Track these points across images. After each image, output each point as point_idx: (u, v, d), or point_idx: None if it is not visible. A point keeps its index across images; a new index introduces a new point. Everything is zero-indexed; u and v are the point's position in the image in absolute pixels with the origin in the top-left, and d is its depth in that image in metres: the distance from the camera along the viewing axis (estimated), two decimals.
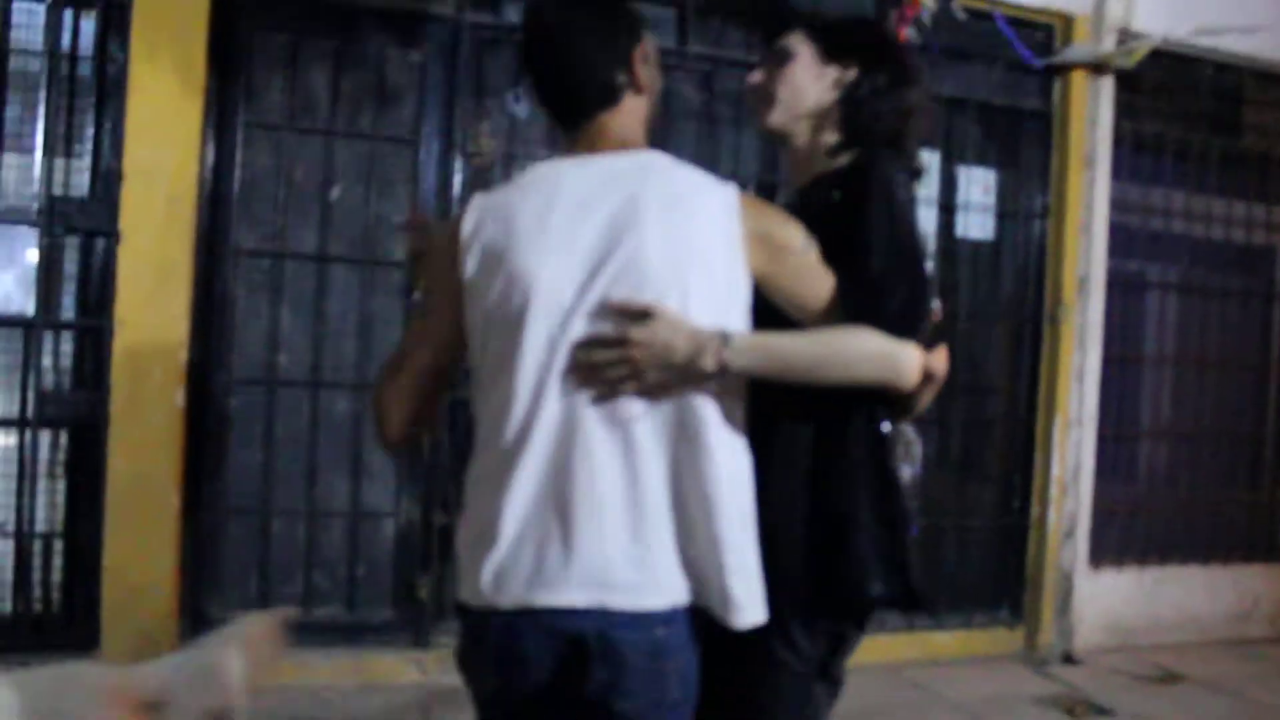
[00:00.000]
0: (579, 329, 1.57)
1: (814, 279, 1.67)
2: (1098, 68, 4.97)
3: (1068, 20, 4.94)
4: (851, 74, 1.89)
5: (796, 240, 1.67)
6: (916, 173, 1.94)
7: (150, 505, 3.69)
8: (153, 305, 3.70)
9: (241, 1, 3.88)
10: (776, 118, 1.93)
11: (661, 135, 4.19)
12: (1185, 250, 5.57)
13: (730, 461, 1.62)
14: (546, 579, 1.56)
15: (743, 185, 1.77)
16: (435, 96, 4.11)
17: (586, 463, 1.56)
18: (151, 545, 3.69)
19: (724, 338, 1.57)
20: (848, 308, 1.65)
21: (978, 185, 4.99)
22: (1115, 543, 5.34)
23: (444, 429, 4.07)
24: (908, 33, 4.31)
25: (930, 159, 4.84)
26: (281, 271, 4.00)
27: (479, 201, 1.72)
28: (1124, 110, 5.13)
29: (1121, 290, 5.29)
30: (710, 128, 4.51)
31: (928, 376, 1.76)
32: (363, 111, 4.10)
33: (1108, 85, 5.03)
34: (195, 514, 3.83)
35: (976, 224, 5.01)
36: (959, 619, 4.98)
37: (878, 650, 4.57)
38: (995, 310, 5.07)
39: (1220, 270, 5.68)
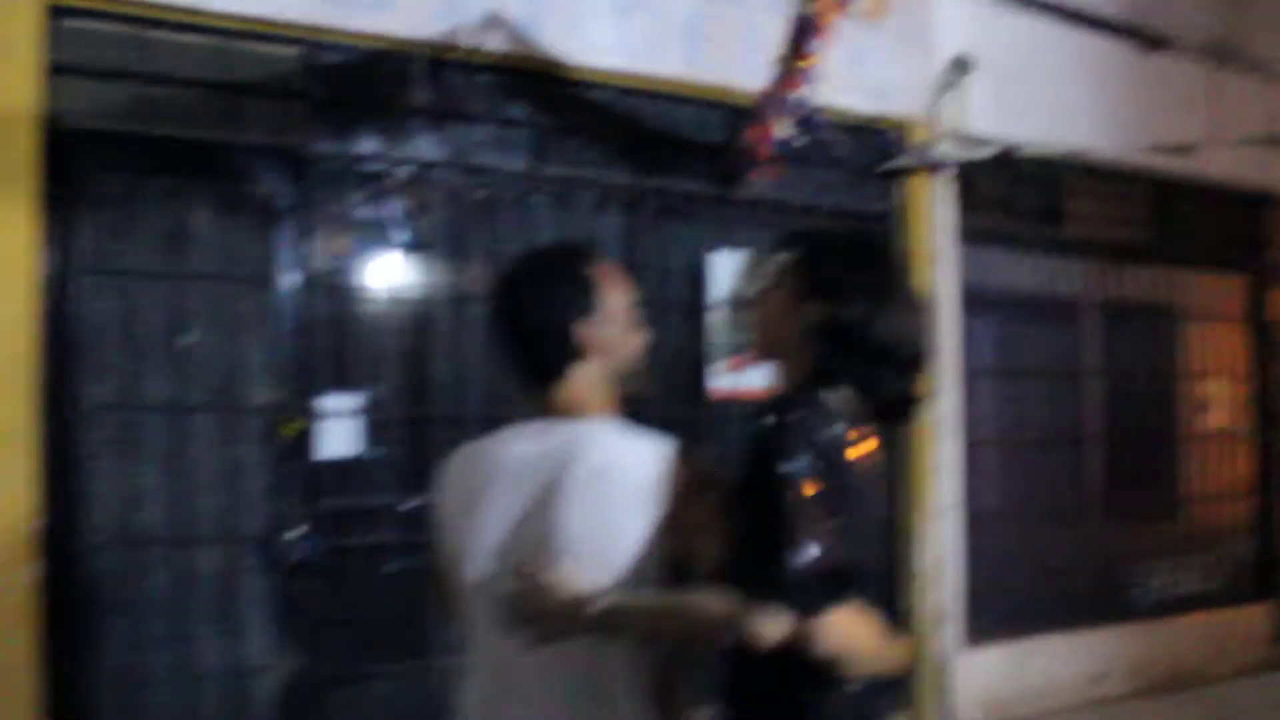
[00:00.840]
0: (498, 588, 1.75)
1: (708, 548, 1.72)
2: (934, 169, 5.21)
3: (904, 125, 5.17)
4: (820, 310, 1.81)
5: (703, 515, 1.73)
6: (899, 406, 1.88)
7: (4, 690, 3.39)
8: None
9: (72, 142, 3.66)
10: (758, 346, 1.95)
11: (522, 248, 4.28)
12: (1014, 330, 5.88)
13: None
14: None
15: None
16: (287, 232, 3.98)
17: (507, 694, 1.79)
18: None
19: (595, 598, 1.66)
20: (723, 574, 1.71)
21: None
22: (991, 620, 5.50)
23: (321, 577, 3.91)
24: (773, 148, 4.42)
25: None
26: (136, 424, 3.77)
27: (456, 456, 1.95)
28: (962, 207, 5.38)
29: (969, 376, 5.51)
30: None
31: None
32: (211, 251, 3.93)
33: (946, 185, 5.28)
34: (59, 692, 3.53)
35: None
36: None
37: None
38: (858, 403, 5.18)
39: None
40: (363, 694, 4.05)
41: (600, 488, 1.73)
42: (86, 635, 3.65)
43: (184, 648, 3.79)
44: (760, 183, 4.69)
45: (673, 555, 1.74)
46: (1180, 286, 6.53)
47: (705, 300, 4.76)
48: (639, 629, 1.71)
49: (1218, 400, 6.76)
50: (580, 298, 1.82)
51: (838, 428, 1.73)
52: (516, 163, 4.35)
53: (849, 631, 1.67)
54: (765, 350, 1.92)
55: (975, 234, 5.50)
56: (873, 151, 5.16)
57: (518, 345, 1.86)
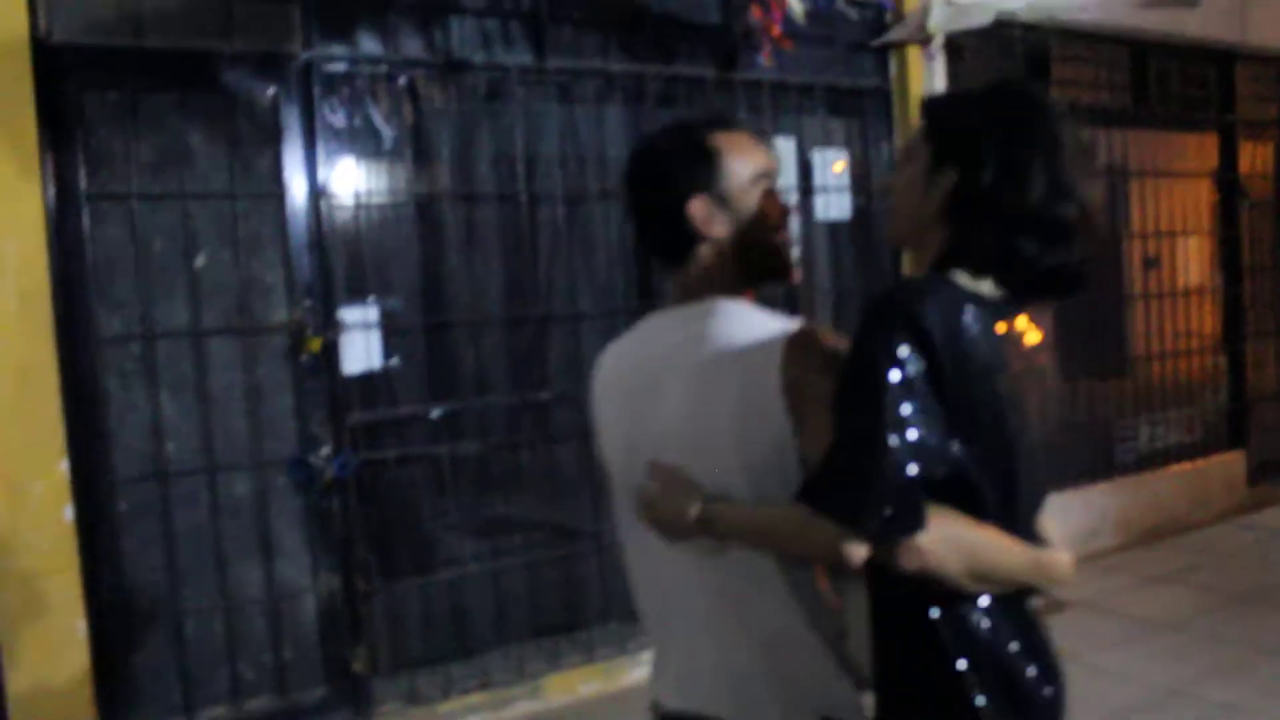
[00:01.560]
0: (635, 478, 1.68)
1: (819, 439, 1.49)
2: (927, 41, 5.13)
3: None
4: (951, 179, 1.53)
5: (823, 394, 1.49)
6: (1055, 282, 1.57)
7: (54, 634, 3.36)
8: (20, 417, 3.33)
9: (62, 61, 3.47)
10: (893, 230, 1.68)
11: (529, 152, 4.22)
12: None
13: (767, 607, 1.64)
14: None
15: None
16: (294, 143, 3.84)
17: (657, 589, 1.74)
18: (60, 676, 3.37)
19: (702, 503, 1.56)
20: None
21: (831, 166, 5.09)
22: None
23: (354, 493, 3.88)
24: (781, 28, 4.32)
25: (786, 145, 4.90)
26: (154, 354, 3.67)
27: (607, 351, 1.84)
28: (953, 80, 5.32)
29: None
30: (573, 140, 4.41)
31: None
32: (215, 168, 3.78)
33: (939, 57, 5.21)
34: (102, 631, 3.51)
35: (834, 205, 5.12)
36: None
37: None
38: (857, 286, 5.21)
39: None
40: (402, 607, 4.08)
41: (716, 375, 1.59)
42: (124, 572, 3.62)
43: (222, 576, 3.76)
44: (762, 64, 4.59)
45: (801, 449, 1.55)
46: (1156, 147, 6.57)
47: None
48: (744, 541, 1.57)
49: (1190, 257, 6.90)
50: (696, 171, 1.65)
51: (966, 313, 1.46)
52: (518, 57, 4.21)
53: (948, 548, 1.44)
54: (900, 238, 1.65)
55: None
56: (868, 25, 5.07)
57: (642, 228, 1.73)
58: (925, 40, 5.10)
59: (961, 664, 1.48)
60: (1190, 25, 6.31)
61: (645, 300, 4.52)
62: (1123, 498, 6.22)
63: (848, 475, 1.40)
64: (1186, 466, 6.66)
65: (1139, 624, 4.84)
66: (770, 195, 1.69)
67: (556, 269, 4.36)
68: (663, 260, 1.72)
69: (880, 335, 1.42)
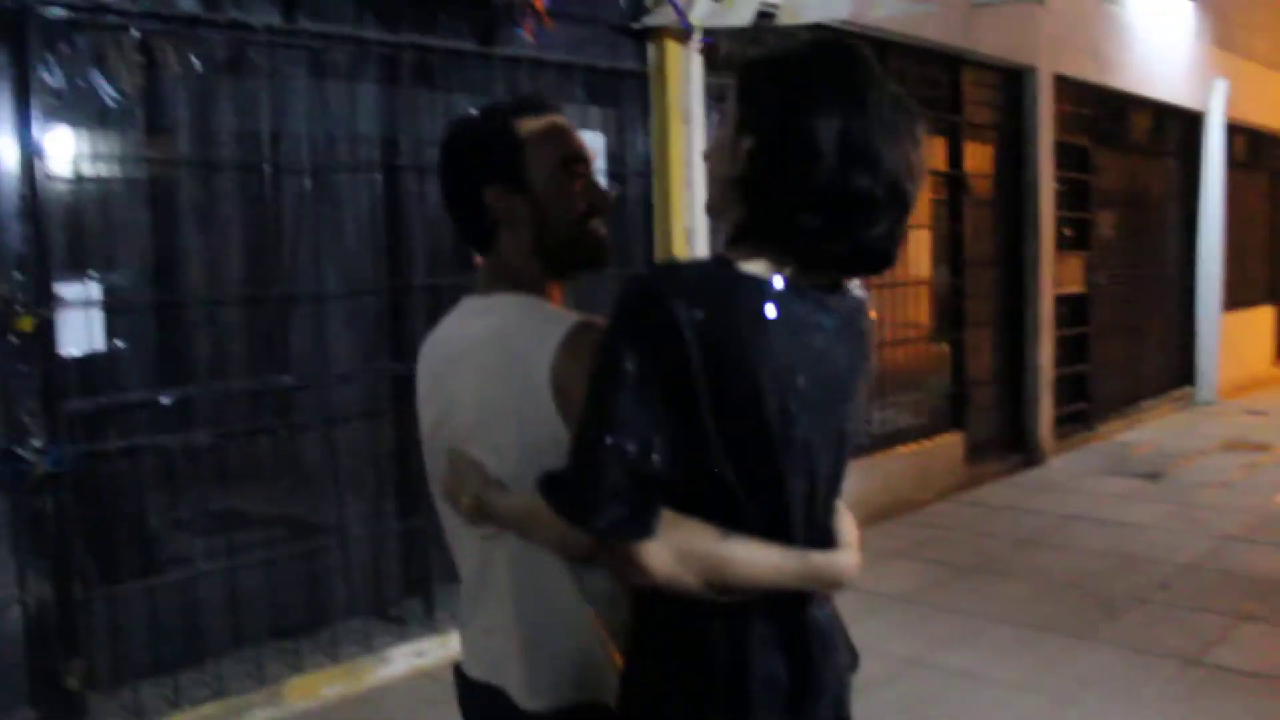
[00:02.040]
0: (437, 461, 1.66)
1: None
2: (688, 32, 5.14)
3: None
4: (748, 145, 1.36)
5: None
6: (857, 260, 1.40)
7: None
8: None
9: None
10: (708, 200, 1.51)
11: (274, 120, 3.91)
12: None
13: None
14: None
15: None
16: (2, 99, 3.38)
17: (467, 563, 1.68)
18: None
19: (480, 491, 1.54)
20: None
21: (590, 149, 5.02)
22: None
23: (70, 489, 3.49)
24: (547, 1, 4.19)
25: None
26: None
27: (427, 339, 1.75)
28: (710, 70, 5.37)
29: (719, 235, 5.61)
30: (323, 109, 4.13)
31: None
32: None
33: (697, 41, 5.23)
34: None
35: None
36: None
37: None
38: (612, 269, 5.17)
39: None
40: (125, 613, 3.72)
41: (498, 371, 1.54)
42: None
43: None
44: (524, 39, 4.46)
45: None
46: None
47: None
48: (511, 528, 1.52)
49: (915, 250, 7.29)
50: (494, 158, 1.58)
51: (737, 298, 1.31)
52: (264, 16, 3.88)
53: (679, 559, 1.33)
54: (712, 207, 1.48)
55: (720, 95, 5.52)
56: (628, 6, 5.03)
57: (449, 213, 1.67)
58: (687, 31, 5.11)
59: (695, 673, 1.39)
60: (926, 30, 6.65)
61: (397, 279, 4.31)
62: (857, 479, 6.46)
63: (575, 472, 1.33)
64: (913, 447, 7.06)
65: (875, 598, 5.05)
66: (578, 183, 1.62)
67: (302, 246, 4.07)
68: (469, 247, 1.66)
69: (619, 327, 1.31)
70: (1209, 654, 4.34)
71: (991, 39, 7.32)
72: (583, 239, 1.62)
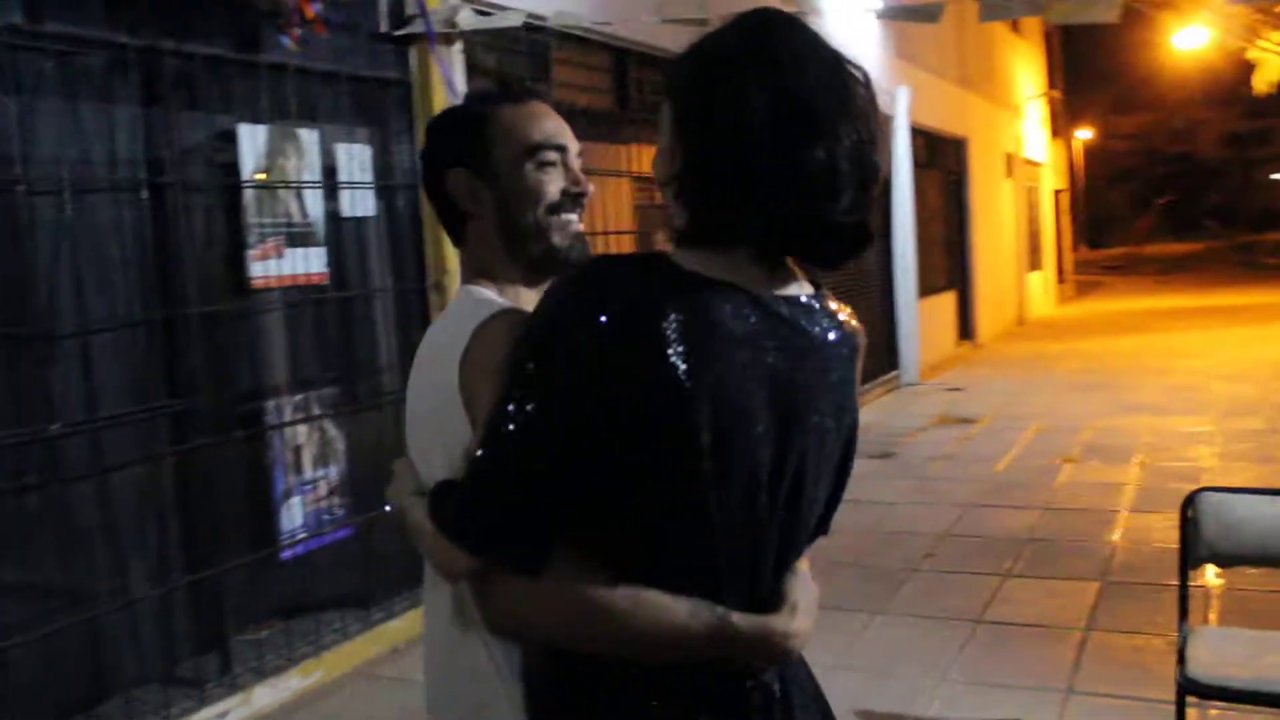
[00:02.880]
0: None
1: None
2: (447, 36, 5.02)
3: None
4: (680, 138, 1.26)
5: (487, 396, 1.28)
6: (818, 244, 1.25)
7: None
8: None
9: None
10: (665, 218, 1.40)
11: (27, 128, 3.45)
12: None
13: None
14: None
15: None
16: None
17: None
18: None
19: (400, 497, 1.45)
20: None
21: (355, 161, 4.79)
22: None
23: None
24: (315, 7, 3.94)
25: (309, 137, 4.53)
26: None
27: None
28: (471, 75, 5.26)
29: None
30: (76, 122, 3.71)
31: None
32: None
33: (458, 51, 5.12)
34: None
35: (360, 200, 4.83)
36: (406, 602, 4.94)
37: (341, 660, 4.42)
38: (383, 283, 4.97)
39: None
40: None
41: (428, 368, 1.47)
42: None
43: None
44: (288, 46, 4.19)
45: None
46: (637, 152, 7.03)
47: (237, 178, 4.20)
48: (413, 539, 1.38)
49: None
50: (459, 143, 1.53)
51: (672, 304, 1.15)
52: (5, 15, 3.43)
53: (547, 605, 1.21)
54: (668, 227, 1.35)
55: None
56: (389, 14, 4.83)
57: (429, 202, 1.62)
58: (448, 38, 4.98)
59: None
60: (663, 38, 6.80)
61: (169, 308, 3.93)
62: None
63: (467, 482, 1.21)
64: None
65: None
66: (548, 172, 1.52)
67: (61, 276, 3.64)
68: (450, 237, 1.60)
69: (539, 329, 1.19)
70: (988, 612, 4.71)
71: None
72: (543, 231, 1.51)
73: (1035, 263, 19.44)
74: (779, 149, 1.16)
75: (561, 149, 1.53)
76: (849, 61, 1.23)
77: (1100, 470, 7.10)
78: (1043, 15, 4.92)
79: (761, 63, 1.18)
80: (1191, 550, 3.17)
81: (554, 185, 1.52)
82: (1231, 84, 33.28)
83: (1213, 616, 4.56)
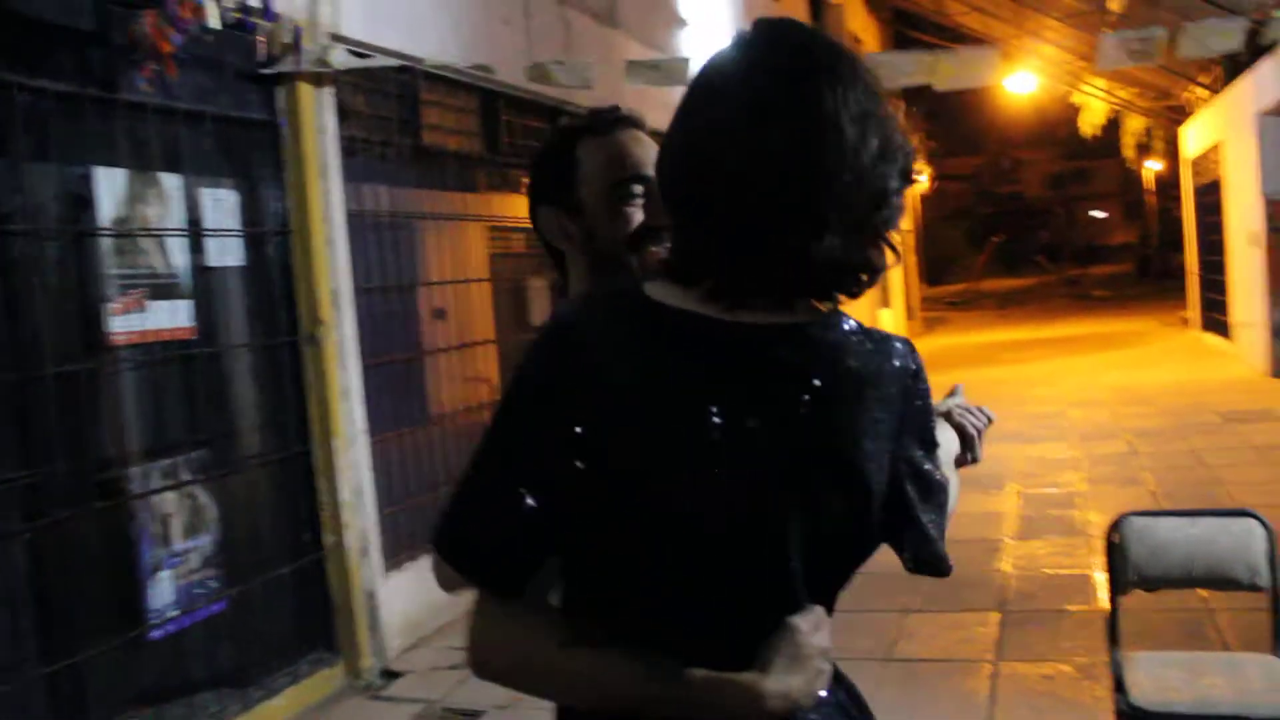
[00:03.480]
0: None
1: None
2: (318, 76, 4.77)
3: (286, 25, 4.62)
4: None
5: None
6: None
7: None
8: None
9: None
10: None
11: None
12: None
13: None
14: None
15: None
16: None
17: None
18: None
19: None
20: None
21: (222, 206, 4.49)
22: (402, 544, 5.40)
23: None
24: (177, 42, 3.66)
25: (171, 181, 4.22)
26: None
27: None
28: (343, 117, 5.02)
29: (365, 296, 5.24)
30: None
31: None
32: None
33: (329, 92, 4.87)
34: None
35: (228, 249, 4.52)
36: (286, 678, 4.59)
37: None
38: (254, 337, 4.66)
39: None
40: None
41: None
42: None
43: None
44: (147, 84, 3.89)
45: None
46: (502, 199, 6.86)
47: (93, 224, 3.86)
48: None
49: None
50: (547, 177, 1.59)
51: (647, 338, 1.14)
52: None
53: (510, 652, 1.19)
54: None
55: (349, 145, 5.17)
56: (252, 51, 4.55)
57: None
58: (319, 78, 4.74)
59: None
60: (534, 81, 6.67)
61: (20, 369, 3.55)
62: None
63: (460, 499, 1.18)
64: None
65: None
66: (632, 204, 1.51)
67: None
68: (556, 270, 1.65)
69: (529, 360, 1.16)
70: (896, 650, 4.66)
71: (590, 96, 7.49)
72: (627, 266, 1.50)
73: (885, 300, 19.94)
74: (739, 187, 1.12)
75: (647, 179, 1.50)
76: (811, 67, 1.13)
77: (979, 500, 7.18)
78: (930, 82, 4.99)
79: (732, 103, 1.13)
80: (1120, 576, 3.15)
81: (638, 218, 1.51)
82: (1051, 126, 35.18)
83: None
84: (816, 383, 1.14)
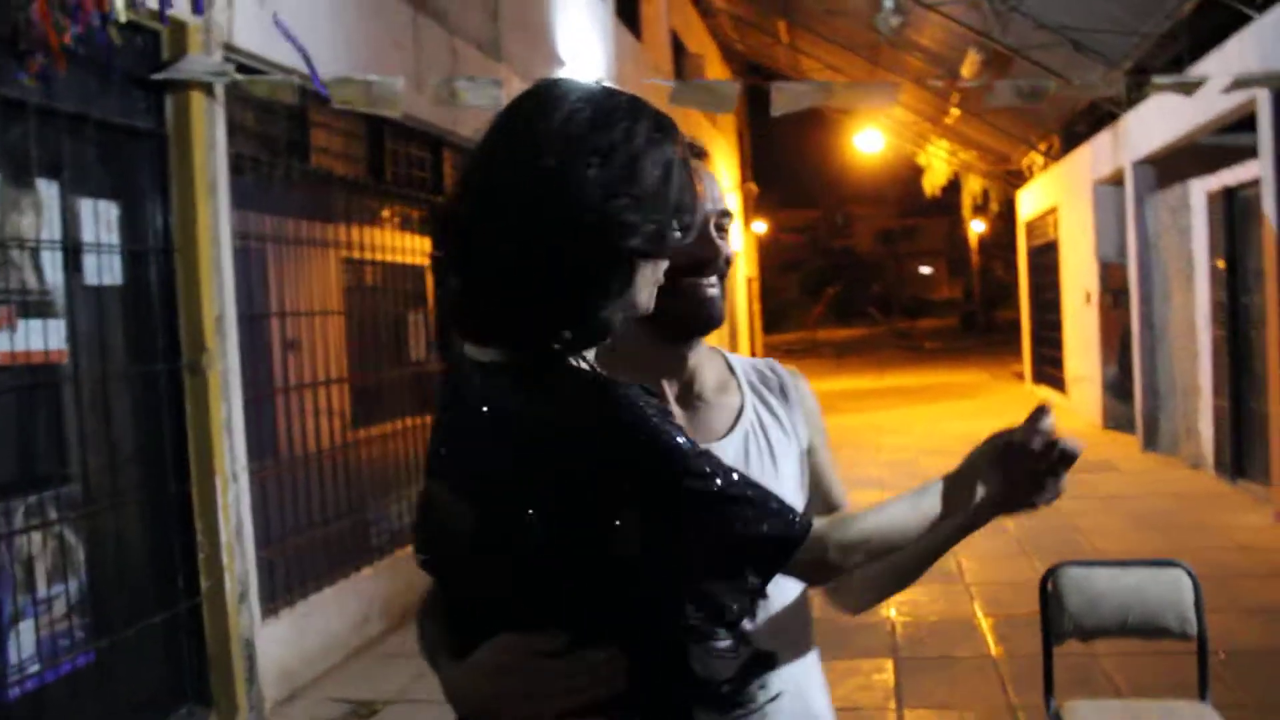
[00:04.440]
0: None
1: None
2: (210, 86, 4.47)
3: (179, 29, 4.32)
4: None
5: None
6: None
7: None
8: None
9: None
10: None
11: None
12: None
13: None
14: None
15: None
16: None
17: None
18: None
19: None
20: None
21: (101, 220, 4.13)
22: (279, 589, 5.06)
23: None
24: (73, 35, 3.35)
25: (49, 190, 3.86)
26: None
27: None
28: (233, 130, 4.72)
29: (248, 324, 4.92)
30: None
31: None
32: None
33: (219, 105, 4.57)
34: None
35: (106, 267, 4.16)
36: None
37: None
38: (132, 363, 4.30)
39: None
40: None
41: None
42: None
43: None
44: (30, 80, 3.55)
45: None
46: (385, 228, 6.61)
47: None
48: None
49: (418, 332, 7.02)
50: None
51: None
52: None
53: None
54: None
55: (237, 163, 4.87)
56: (141, 55, 4.24)
57: None
58: (210, 89, 4.45)
59: None
60: (419, 109, 6.47)
61: None
62: (383, 581, 6.04)
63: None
64: None
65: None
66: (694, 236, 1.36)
67: None
68: None
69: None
70: None
71: (473, 121, 7.33)
72: (683, 296, 1.43)
73: (733, 347, 20.26)
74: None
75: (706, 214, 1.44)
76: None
77: None
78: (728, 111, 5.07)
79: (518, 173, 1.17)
80: (1055, 625, 3.15)
81: (686, 250, 1.35)
82: (884, 185, 36.67)
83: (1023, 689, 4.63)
84: (461, 419, 1.25)
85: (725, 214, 1.49)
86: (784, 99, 4.95)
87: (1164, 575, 3.17)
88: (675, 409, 1.52)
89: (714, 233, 1.47)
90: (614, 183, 1.13)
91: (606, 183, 1.13)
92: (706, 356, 1.58)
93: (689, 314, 1.45)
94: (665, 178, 1.17)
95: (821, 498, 1.65)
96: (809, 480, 1.62)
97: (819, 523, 1.21)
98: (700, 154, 1.50)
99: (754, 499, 1.16)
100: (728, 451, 1.50)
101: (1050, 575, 3.18)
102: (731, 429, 1.54)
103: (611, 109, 1.17)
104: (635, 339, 1.39)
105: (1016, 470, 1.32)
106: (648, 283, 1.21)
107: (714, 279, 1.48)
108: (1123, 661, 4.57)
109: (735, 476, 1.16)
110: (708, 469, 1.14)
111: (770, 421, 1.58)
